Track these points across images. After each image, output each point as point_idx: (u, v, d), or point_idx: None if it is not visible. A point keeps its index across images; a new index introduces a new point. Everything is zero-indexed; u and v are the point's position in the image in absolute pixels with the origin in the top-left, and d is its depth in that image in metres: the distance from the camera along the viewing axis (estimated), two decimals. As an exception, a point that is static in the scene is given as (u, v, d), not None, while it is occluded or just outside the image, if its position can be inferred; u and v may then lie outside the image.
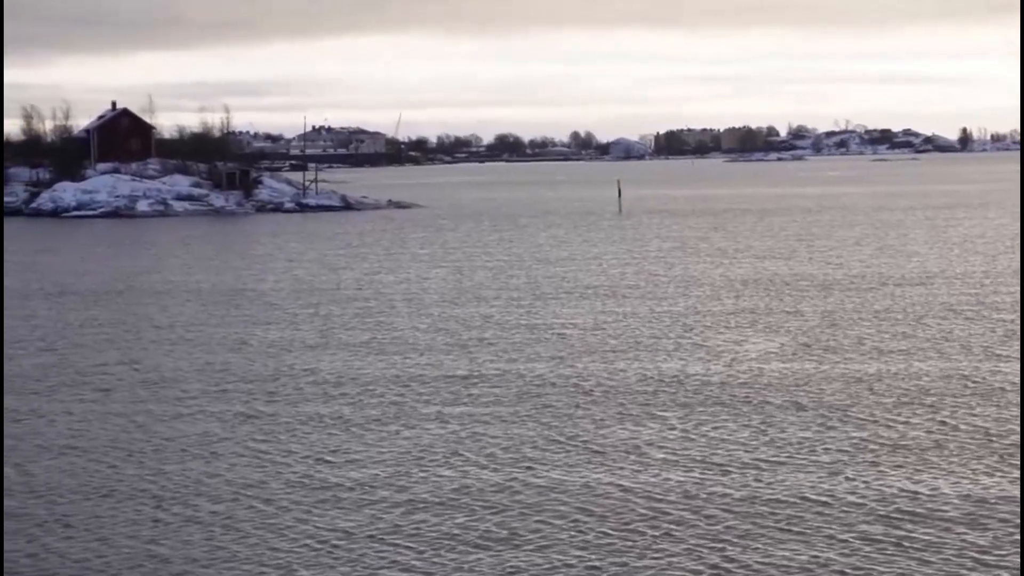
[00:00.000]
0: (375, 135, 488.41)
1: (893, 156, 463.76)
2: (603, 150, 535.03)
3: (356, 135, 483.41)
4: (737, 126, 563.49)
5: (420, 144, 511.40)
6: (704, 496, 23.80)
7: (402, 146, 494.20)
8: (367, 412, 31.76)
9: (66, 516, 23.69)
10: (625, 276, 62.11)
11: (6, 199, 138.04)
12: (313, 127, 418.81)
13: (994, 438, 27.70)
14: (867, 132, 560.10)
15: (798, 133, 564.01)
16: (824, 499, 23.40)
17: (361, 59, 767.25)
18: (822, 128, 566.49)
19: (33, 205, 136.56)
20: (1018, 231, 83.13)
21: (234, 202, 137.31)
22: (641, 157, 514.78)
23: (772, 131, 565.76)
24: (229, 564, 20.90)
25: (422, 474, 25.86)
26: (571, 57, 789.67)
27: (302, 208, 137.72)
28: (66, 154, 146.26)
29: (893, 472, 25.14)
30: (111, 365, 39.31)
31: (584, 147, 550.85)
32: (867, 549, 20.73)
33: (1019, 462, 25.47)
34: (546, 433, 29.06)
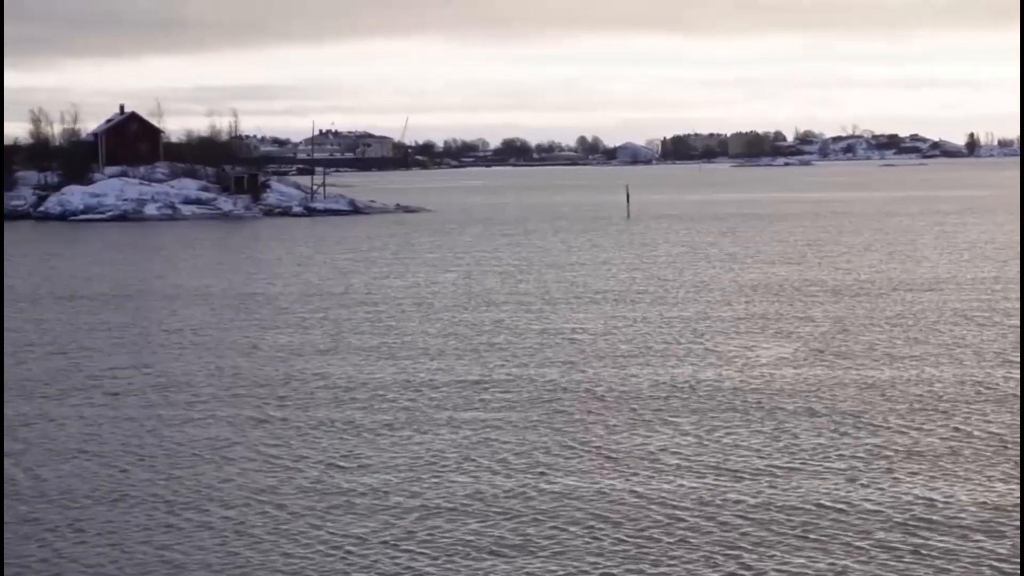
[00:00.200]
0: (382, 139, 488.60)
1: (900, 161, 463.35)
2: (610, 155, 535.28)
3: (363, 139, 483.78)
4: (744, 131, 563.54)
5: (427, 148, 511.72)
6: (719, 502, 23.68)
7: (409, 150, 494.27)
8: (379, 417, 31.66)
9: (78, 521, 23.61)
10: (635, 281, 61.99)
11: (14, 203, 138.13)
12: (320, 131, 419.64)
13: (1009, 445, 27.56)
14: (874, 137, 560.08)
15: (805, 138, 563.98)
16: (840, 506, 23.28)
17: (368, 63, 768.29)
18: (829, 133, 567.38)
19: (41, 208, 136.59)
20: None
21: (242, 206, 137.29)
22: (648, 162, 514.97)
23: (779, 136, 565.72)
24: (242, 570, 20.81)
25: (435, 480, 25.76)
26: (577, 62, 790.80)
27: (310, 212, 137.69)
28: (74, 157, 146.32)
29: (909, 479, 25.02)
30: (122, 369, 39.24)
31: (591, 152, 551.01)
32: (884, 557, 20.62)
33: (1035, 469, 25.34)
34: (559, 439, 28.96)
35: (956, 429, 29.19)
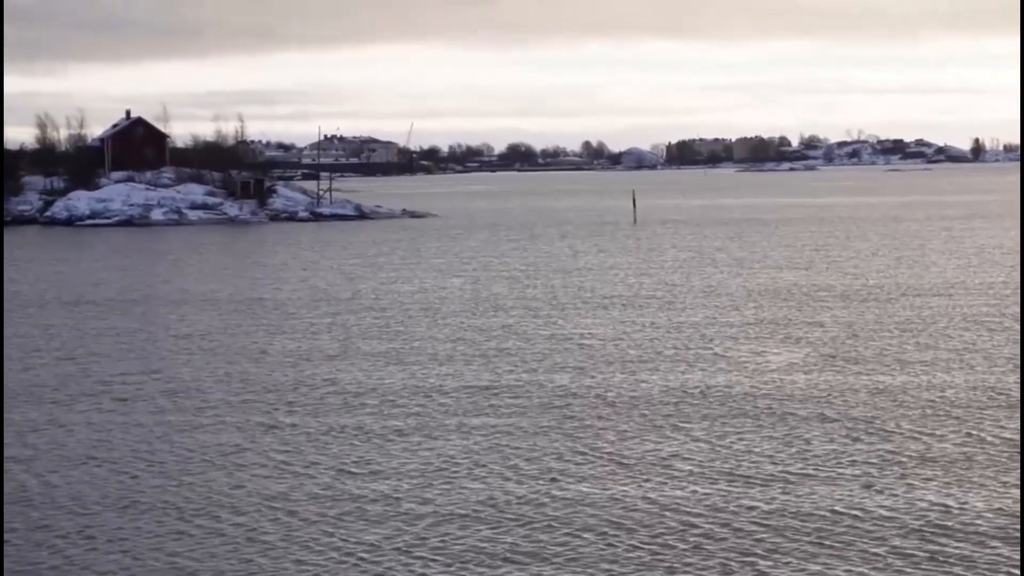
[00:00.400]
0: (387, 144, 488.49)
1: (905, 166, 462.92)
2: (615, 160, 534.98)
3: (368, 144, 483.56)
4: (749, 136, 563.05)
5: (432, 153, 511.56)
6: (733, 509, 23.56)
7: (414, 155, 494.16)
8: (389, 423, 31.55)
9: (88, 528, 23.51)
10: (643, 286, 61.87)
11: (21, 208, 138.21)
12: (325, 136, 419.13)
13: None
14: (879, 142, 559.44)
15: (810, 143, 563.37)
16: (855, 512, 23.15)
17: (373, 68, 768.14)
18: (834, 138, 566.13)
19: (47, 214, 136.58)
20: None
21: (248, 211, 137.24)
22: (653, 167, 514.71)
23: (784, 141, 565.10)
24: (255, 577, 20.71)
25: (446, 486, 25.64)
26: (583, 67, 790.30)
27: (316, 217, 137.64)
28: (80, 163, 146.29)
29: (923, 485, 24.89)
30: (130, 375, 39.14)
31: (596, 157, 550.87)
32: (900, 563, 20.50)
33: (1050, 475, 25.21)
34: (570, 445, 28.84)
35: (969, 434, 29.06)
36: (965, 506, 23.44)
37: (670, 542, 21.82)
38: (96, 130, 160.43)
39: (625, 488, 25.13)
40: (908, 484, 24.97)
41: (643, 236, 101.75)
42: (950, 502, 23.71)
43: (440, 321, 50.18)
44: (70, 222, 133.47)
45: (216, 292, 63.14)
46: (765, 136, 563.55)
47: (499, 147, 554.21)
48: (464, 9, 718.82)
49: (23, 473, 27.46)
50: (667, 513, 23.42)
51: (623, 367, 38.57)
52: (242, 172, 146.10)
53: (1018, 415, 30.83)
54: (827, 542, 21.56)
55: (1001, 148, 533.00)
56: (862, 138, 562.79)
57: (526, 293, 59.88)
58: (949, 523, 22.45)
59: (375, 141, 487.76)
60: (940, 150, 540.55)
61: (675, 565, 20.73)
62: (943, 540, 21.54)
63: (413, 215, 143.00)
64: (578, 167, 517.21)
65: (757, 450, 27.99)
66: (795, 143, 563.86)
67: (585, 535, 22.28)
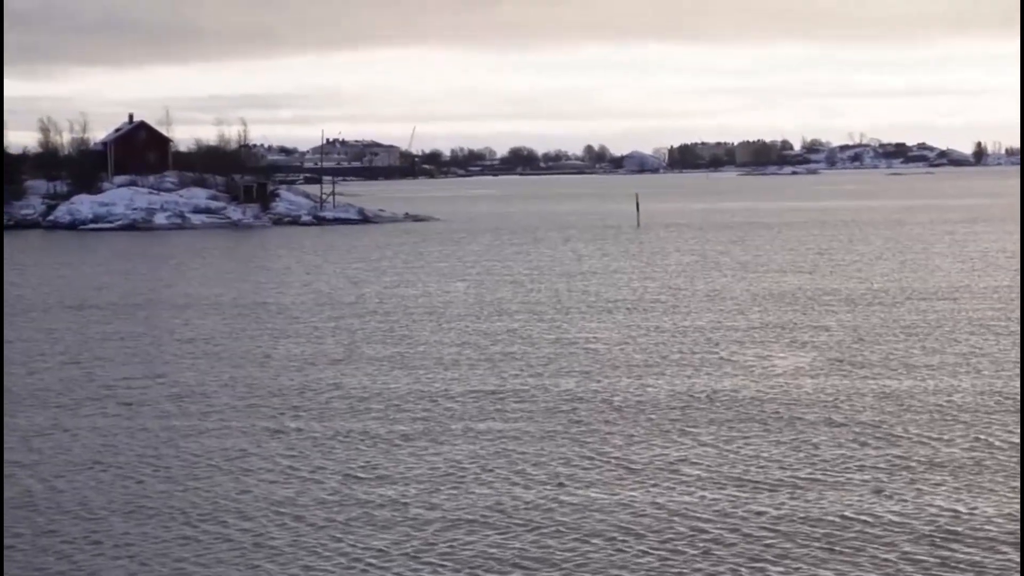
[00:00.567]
0: (389, 148, 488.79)
1: (908, 170, 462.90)
2: (617, 163, 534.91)
3: (370, 148, 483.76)
4: (751, 140, 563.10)
5: (434, 157, 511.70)
6: (742, 514, 23.46)
7: (416, 159, 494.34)
8: (395, 428, 31.47)
9: (95, 533, 23.42)
10: (648, 290, 61.79)
11: (24, 212, 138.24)
12: (327, 140, 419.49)
13: (1032, 456, 27.32)
14: (881, 146, 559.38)
15: (812, 147, 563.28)
16: (864, 518, 23.05)
17: (375, 72, 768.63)
18: (836, 142, 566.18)
19: (50, 218, 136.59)
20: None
21: (251, 215, 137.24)
22: (655, 170, 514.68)
23: (786, 144, 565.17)
24: (263, 583, 20.62)
25: (454, 491, 25.55)
26: (584, 70, 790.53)
27: (319, 221, 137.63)
28: (83, 167, 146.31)
29: (932, 490, 24.78)
30: (135, 379, 39.06)
31: (598, 160, 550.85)
32: (911, 569, 20.41)
33: (1060, 480, 25.10)
34: (577, 450, 28.75)
35: (977, 439, 28.97)
36: (975, 511, 23.34)
37: (679, 547, 21.73)
38: (99, 134, 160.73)
39: (633, 493, 25.04)
40: (917, 489, 24.87)
41: (646, 240, 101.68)
42: (960, 507, 23.61)
43: (445, 325, 50.11)
44: (73, 226, 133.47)
45: (220, 296, 63.08)
46: (767, 140, 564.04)
47: (501, 151, 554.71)
48: (466, 13, 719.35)
49: (28, 478, 27.38)
50: (676, 518, 23.32)
51: (629, 371, 38.49)
52: (245, 176, 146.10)
53: (1026, 420, 30.75)
54: (837, 548, 21.46)
55: (1003, 152, 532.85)
56: (864, 142, 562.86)
57: (530, 297, 59.81)
58: (959, 528, 22.36)
59: (377, 145, 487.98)
60: (942, 154, 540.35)
61: (684, 571, 20.64)
62: (954, 546, 21.44)
63: (416, 219, 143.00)
64: (580, 171, 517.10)
65: (765, 455, 27.90)
66: (797, 147, 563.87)
67: (594, 540, 22.19)
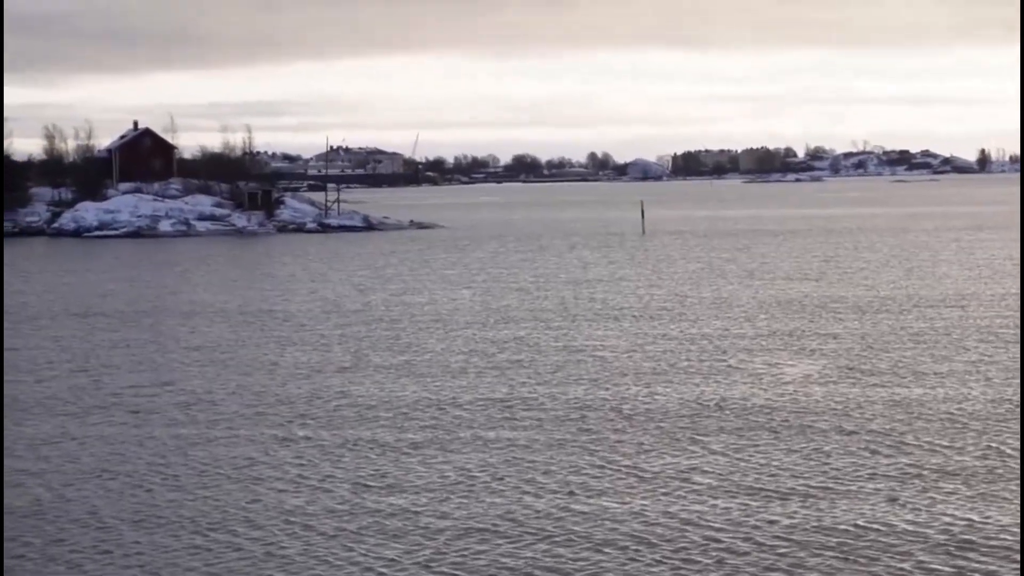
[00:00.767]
0: (393, 155, 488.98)
1: (912, 177, 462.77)
2: (620, 171, 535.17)
3: (374, 155, 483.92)
4: (755, 147, 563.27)
5: (437, 164, 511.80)
6: (755, 523, 23.33)
7: (419, 166, 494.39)
8: (404, 436, 31.35)
9: (104, 542, 23.31)
10: (655, 297, 61.66)
11: (29, 219, 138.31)
12: (331, 147, 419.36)
13: (1045, 464, 27.19)
14: (885, 153, 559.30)
15: (816, 154, 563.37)
16: (878, 527, 22.93)
17: (378, 79, 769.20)
18: (840, 149, 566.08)
19: (55, 225, 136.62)
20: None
21: (256, 222, 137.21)
22: (659, 178, 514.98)
23: (790, 152, 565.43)
24: (274, 593, 20.51)
25: (464, 500, 25.44)
26: (588, 78, 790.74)
27: (324, 228, 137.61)
28: (88, 174, 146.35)
29: (946, 499, 24.66)
30: (143, 387, 38.96)
31: (602, 168, 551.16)
32: (926, 579, 20.28)
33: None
34: (588, 458, 28.63)
35: (989, 447, 28.84)
36: (989, 520, 23.21)
37: (692, 556, 21.61)
38: (104, 141, 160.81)
39: (645, 502, 24.92)
40: (931, 498, 24.74)
41: (652, 247, 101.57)
42: (974, 516, 23.48)
43: (452, 333, 50.00)
44: (78, 233, 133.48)
45: (226, 304, 62.98)
46: (771, 147, 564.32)
47: (504, 158, 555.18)
48: (469, 19, 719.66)
49: (38, 487, 27.27)
50: (688, 527, 23.21)
51: (638, 379, 38.37)
52: (250, 183, 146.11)
53: (1038, 428, 30.61)
54: (851, 557, 21.34)
55: (1007, 159, 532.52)
56: (868, 149, 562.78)
57: (537, 304, 59.70)
58: (974, 537, 22.23)
59: (381, 152, 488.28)
60: (946, 161, 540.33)
61: (698, 580, 20.52)
62: (969, 555, 21.31)
63: (420, 226, 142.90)
64: (583, 178, 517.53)
65: (777, 463, 27.77)
66: (801, 154, 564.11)
67: (606, 550, 22.07)
